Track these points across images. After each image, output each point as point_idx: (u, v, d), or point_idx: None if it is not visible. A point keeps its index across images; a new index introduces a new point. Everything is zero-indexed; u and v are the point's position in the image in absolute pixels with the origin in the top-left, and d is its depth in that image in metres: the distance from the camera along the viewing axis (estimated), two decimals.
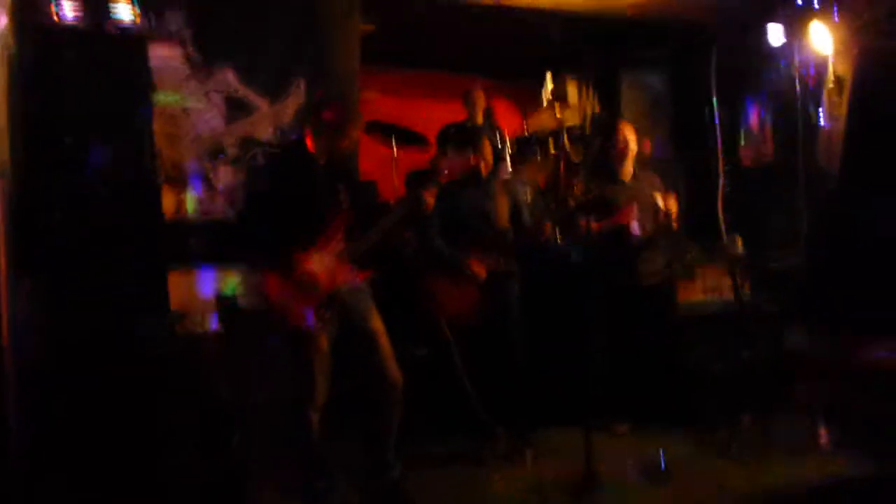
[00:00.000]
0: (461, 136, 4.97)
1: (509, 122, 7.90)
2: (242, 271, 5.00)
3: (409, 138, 6.44)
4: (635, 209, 5.00)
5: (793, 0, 5.85)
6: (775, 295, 5.49)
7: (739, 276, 5.11)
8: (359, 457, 4.23)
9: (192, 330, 4.30)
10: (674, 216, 5.04)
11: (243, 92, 5.54)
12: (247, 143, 5.53)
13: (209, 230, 5.22)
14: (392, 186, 6.27)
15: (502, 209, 4.84)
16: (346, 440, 4.29)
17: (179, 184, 5.27)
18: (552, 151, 6.64)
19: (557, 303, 5.33)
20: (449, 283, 4.69)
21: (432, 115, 7.43)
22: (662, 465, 4.33)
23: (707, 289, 5.38)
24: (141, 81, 4.15)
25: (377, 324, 4.04)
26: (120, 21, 4.03)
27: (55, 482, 3.14)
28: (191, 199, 5.30)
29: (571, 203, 4.69)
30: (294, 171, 3.96)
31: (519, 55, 7.50)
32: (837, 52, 5.64)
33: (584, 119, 7.19)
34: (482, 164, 4.75)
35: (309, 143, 3.99)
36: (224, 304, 4.81)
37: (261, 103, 5.59)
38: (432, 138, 6.75)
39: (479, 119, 7.02)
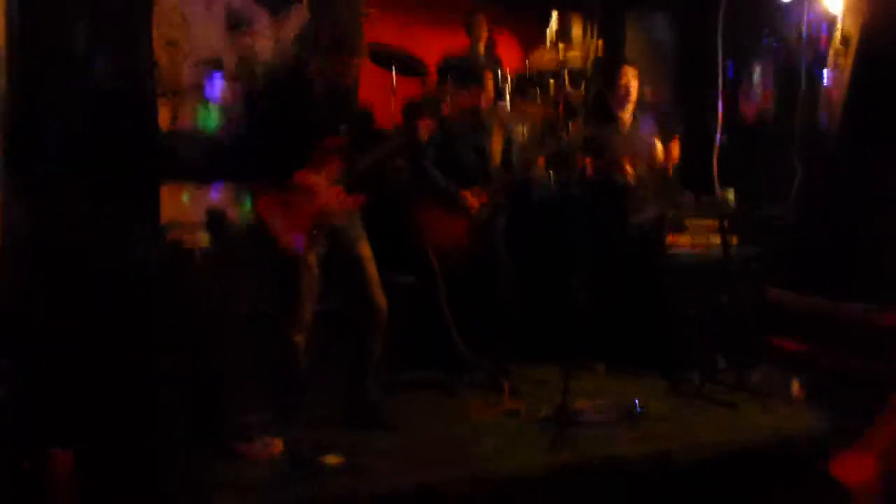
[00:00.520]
0: (465, 72, 4.91)
1: (510, 57, 7.81)
2: (235, 187, 4.99)
3: (408, 65, 6.36)
4: (629, 153, 5.00)
5: None
6: (762, 247, 5.52)
7: (728, 229, 5.14)
8: (339, 378, 4.29)
9: (182, 244, 4.30)
10: (674, 161, 5.04)
11: (244, 2, 5.44)
12: (245, 55, 5.46)
13: (203, 144, 5.19)
14: (389, 114, 6.22)
15: (497, 145, 4.84)
16: (328, 360, 4.35)
17: (176, 95, 5.22)
18: (552, 91, 6.59)
19: (545, 240, 5.36)
20: (439, 212, 4.71)
21: (433, 39, 7.34)
22: (637, 405, 4.40)
23: (695, 239, 5.41)
24: None
25: (366, 250, 4.06)
26: None
27: (40, 386, 3.18)
28: (186, 112, 5.25)
29: (565, 138, 4.68)
30: (291, 91, 3.93)
31: None
32: (847, 11, 5.57)
33: (586, 60, 7.10)
34: (483, 99, 4.71)
35: (308, 63, 3.94)
36: (214, 219, 4.80)
37: (262, 16, 5.50)
38: (432, 64, 6.68)
39: (481, 49, 6.94)
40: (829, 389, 4.70)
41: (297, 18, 5.54)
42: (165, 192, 4.57)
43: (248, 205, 4.03)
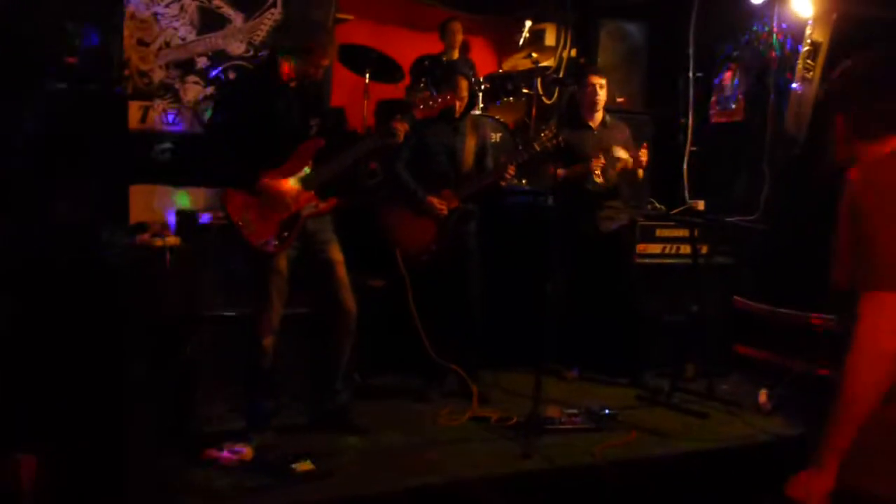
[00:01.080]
0: (440, 74, 4.89)
1: (484, 62, 7.83)
2: (205, 186, 4.95)
3: (383, 67, 6.34)
4: (600, 160, 5.02)
5: None
6: (731, 255, 5.56)
7: (699, 237, 5.17)
8: (307, 380, 4.26)
9: (151, 243, 4.25)
10: (642, 166, 5.07)
11: (217, 2, 5.39)
12: (217, 56, 5.41)
13: (174, 143, 5.14)
14: (361, 115, 6.20)
15: (469, 148, 4.82)
16: (297, 364, 4.32)
17: (146, 93, 5.16)
18: (524, 92, 6.60)
19: (516, 245, 5.36)
20: (409, 216, 4.70)
21: (408, 44, 7.33)
22: (607, 412, 4.42)
23: (666, 247, 5.45)
24: None
25: (336, 253, 4.04)
26: None
27: (5, 390, 3.12)
28: (156, 110, 5.20)
29: (537, 147, 4.67)
30: (263, 91, 3.89)
31: None
32: (816, 17, 5.64)
33: (559, 63, 7.14)
34: (457, 102, 4.70)
35: (280, 64, 3.92)
36: (184, 218, 4.76)
37: (235, 17, 5.46)
38: (406, 68, 6.67)
39: (455, 53, 6.94)
40: (799, 399, 4.75)
41: (270, 19, 5.52)
42: (135, 192, 4.54)
43: (218, 206, 3.98)
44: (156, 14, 5.21)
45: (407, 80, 6.73)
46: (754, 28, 6.23)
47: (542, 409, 4.20)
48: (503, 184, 4.80)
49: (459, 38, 6.92)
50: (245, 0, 5.46)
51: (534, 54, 6.49)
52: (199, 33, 5.37)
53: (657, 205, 5.87)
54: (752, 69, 6.26)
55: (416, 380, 4.84)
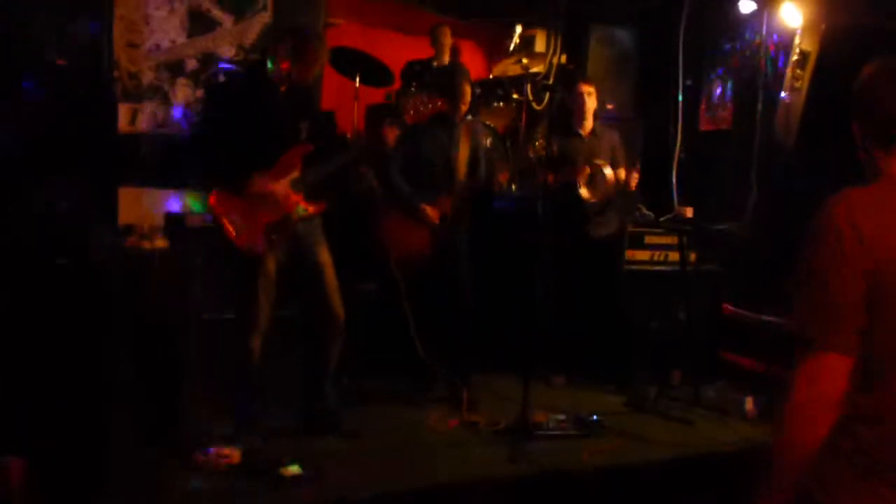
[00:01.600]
0: (440, 79, 4.86)
1: (474, 67, 7.83)
2: (194, 189, 4.93)
3: (373, 71, 6.34)
4: (586, 169, 5.03)
5: None
6: (719, 262, 5.59)
7: (687, 245, 5.19)
8: (296, 383, 4.26)
9: (140, 245, 4.24)
10: (632, 186, 5.08)
11: (207, 5, 5.39)
12: (207, 59, 5.41)
13: (163, 145, 5.12)
14: (352, 119, 6.19)
15: (463, 153, 4.81)
16: (286, 367, 4.31)
17: (135, 95, 5.14)
18: (514, 97, 6.62)
19: (506, 250, 5.37)
20: (403, 222, 4.68)
21: (397, 48, 7.33)
22: (595, 419, 4.43)
23: (654, 254, 5.46)
24: None
25: (325, 256, 4.04)
26: None
27: None
28: (146, 112, 5.18)
29: (531, 155, 4.68)
30: (253, 94, 3.90)
31: None
32: (805, 27, 5.67)
33: (549, 68, 7.15)
34: (461, 107, 4.69)
35: (270, 67, 3.92)
36: (173, 220, 4.74)
37: (225, 19, 5.46)
38: (396, 72, 6.67)
39: (446, 58, 6.95)
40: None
41: (260, 23, 5.51)
42: (124, 194, 4.52)
43: (207, 208, 3.97)
44: (146, 16, 5.20)
45: (397, 84, 6.73)
46: (744, 36, 6.26)
47: (530, 414, 4.21)
48: (497, 189, 4.80)
49: (449, 42, 6.92)
50: (235, 3, 5.45)
51: (524, 60, 6.50)
52: (189, 36, 5.37)
53: (646, 211, 5.88)
54: (741, 77, 6.29)
55: (406, 384, 4.83)
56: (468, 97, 4.74)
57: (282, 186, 3.87)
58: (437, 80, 5.94)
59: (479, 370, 5.00)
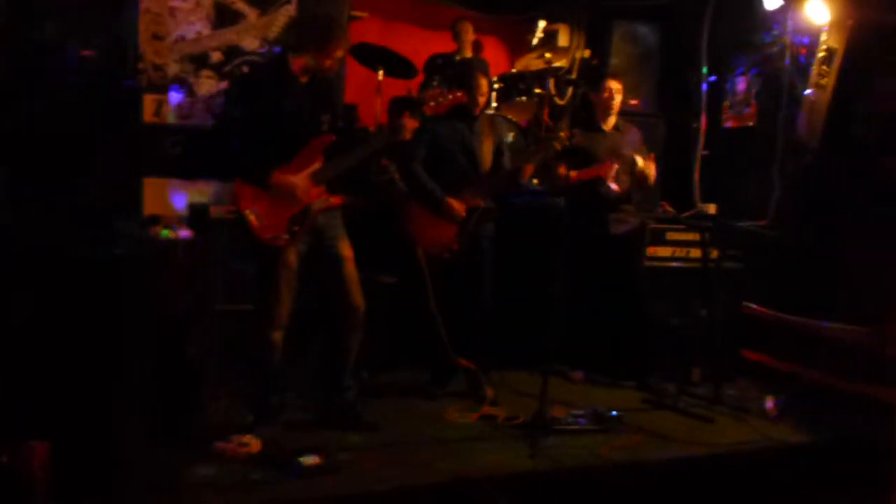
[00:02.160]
0: (457, 72, 4.85)
1: (497, 61, 7.84)
2: (217, 182, 4.97)
3: (396, 65, 6.35)
4: (614, 164, 5.00)
5: None
6: (741, 260, 5.56)
7: (709, 242, 5.16)
8: (315, 376, 4.28)
9: (164, 236, 4.27)
10: (651, 179, 5.06)
11: None
12: (232, 51, 5.44)
13: (186, 136, 5.16)
14: (374, 112, 6.21)
15: (487, 147, 4.79)
16: (305, 359, 4.34)
17: (160, 87, 5.18)
18: (536, 91, 6.61)
19: (526, 246, 5.37)
20: (428, 216, 4.66)
21: (420, 43, 7.35)
22: (613, 412, 4.42)
23: (676, 251, 5.44)
24: None
25: (346, 249, 4.05)
26: None
27: (14, 382, 3.15)
28: (170, 104, 5.22)
29: (557, 146, 4.64)
30: (273, 87, 3.91)
31: None
32: (831, 24, 5.62)
33: (572, 63, 7.14)
34: (479, 100, 4.67)
35: (291, 60, 3.93)
36: (197, 211, 4.78)
37: (249, 13, 5.48)
38: (419, 65, 6.68)
39: (468, 52, 6.95)
40: (805, 406, 4.75)
41: (285, 16, 5.53)
42: (148, 185, 4.56)
43: (230, 200, 3.99)
44: (171, 9, 5.24)
45: (420, 78, 6.74)
46: (769, 33, 6.22)
47: (548, 409, 4.21)
48: (523, 182, 4.79)
49: (470, 37, 6.94)
50: None
51: (547, 55, 6.49)
52: (214, 28, 5.40)
53: (668, 208, 5.86)
54: (766, 74, 6.25)
55: (425, 377, 4.84)
56: (485, 90, 4.72)
57: (303, 178, 3.88)
58: (453, 72, 5.93)
59: (497, 365, 5.01)
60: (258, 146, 3.81)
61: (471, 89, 4.59)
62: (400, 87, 6.69)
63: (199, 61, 5.36)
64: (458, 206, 4.63)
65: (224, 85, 5.37)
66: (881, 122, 5.26)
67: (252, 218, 3.83)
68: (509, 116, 6.34)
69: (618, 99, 5.21)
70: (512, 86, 6.66)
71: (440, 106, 4.18)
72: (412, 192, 4.73)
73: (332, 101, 4.16)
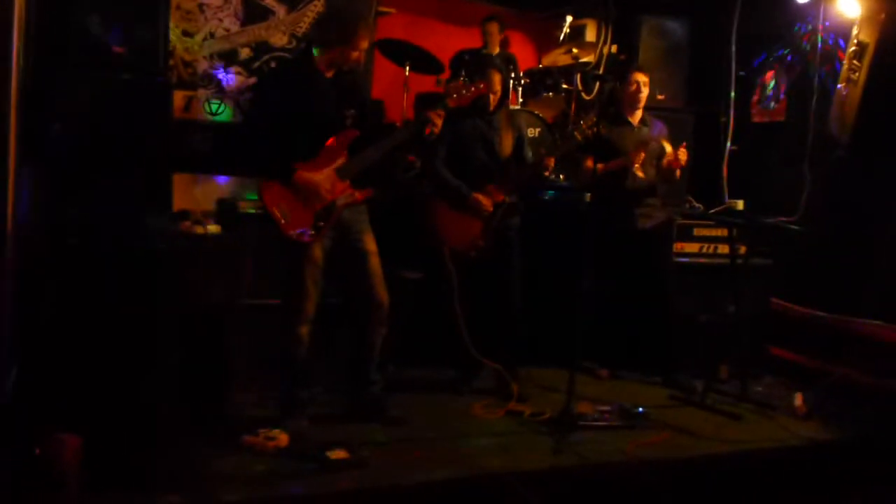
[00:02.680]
0: (473, 63, 4.84)
1: (524, 56, 7.82)
2: (245, 176, 5.00)
3: (423, 61, 6.36)
4: (641, 155, 4.98)
5: None
6: (769, 256, 5.52)
7: (737, 238, 5.13)
8: (342, 370, 4.30)
9: (193, 231, 4.32)
10: (682, 166, 5.02)
11: None
12: (260, 48, 5.48)
13: (215, 132, 5.21)
14: (401, 108, 6.23)
15: (507, 141, 4.78)
16: (332, 354, 4.36)
17: (190, 83, 5.23)
18: (564, 87, 6.60)
19: (552, 241, 5.36)
20: (454, 213, 4.64)
21: (447, 39, 7.35)
22: (640, 409, 4.41)
23: (703, 247, 5.42)
24: None
25: (370, 244, 4.07)
26: None
27: (49, 375, 3.20)
28: (199, 102, 5.27)
29: (578, 137, 4.62)
30: (299, 82, 3.92)
31: None
32: (863, 17, 5.55)
33: (599, 59, 7.12)
34: (491, 95, 4.67)
35: (317, 55, 3.95)
36: (226, 206, 4.82)
37: (278, 9, 5.52)
38: (445, 61, 6.68)
39: (495, 49, 6.95)
40: (835, 403, 4.71)
41: (313, 12, 5.56)
42: (178, 180, 4.60)
43: (256, 196, 4.02)
44: (201, 5, 5.29)
45: (447, 74, 6.74)
46: (798, 27, 6.16)
47: (574, 405, 4.21)
48: (546, 174, 4.78)
49: (498, 37, 6.95)
50: None
51: (574, 50, 6.48)
52: (243, 25, 5.45)
53: (695, 203, 5.83)
54: (795, 68, 6.19)
55: (451, 373, 4.86)
56: (497, 86, 4.71)
57: (328, 174, 3.90)
58: (470, 66, 5.89)
59: (524, 361, 5.00)
60: (283, 142, 3.83)
61: (484, 82, 4.57)
62: (427, 84, 6.70)
63: (229, 57, 5.40)
64: (484, 200, 4.63)
65: (253, 81, 5.41)
66: None
67: (278, 214, 3.85)
68: (536, 112, 6.33)
69: (644, 92, 5.19)
70: (539, 81, 6.65)
71: (463, 98, 4.18)
72: (436, 190, 4.72)
73: (357, 97, 4.16)
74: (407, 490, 3.47)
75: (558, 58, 6.86)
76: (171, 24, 5.02)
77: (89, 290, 3.24)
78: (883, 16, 5.46)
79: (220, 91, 5.37)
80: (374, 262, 4.07)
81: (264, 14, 5.50)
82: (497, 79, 4.70)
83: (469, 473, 3.62)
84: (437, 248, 4.63)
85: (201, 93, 5.28)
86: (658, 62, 6.33)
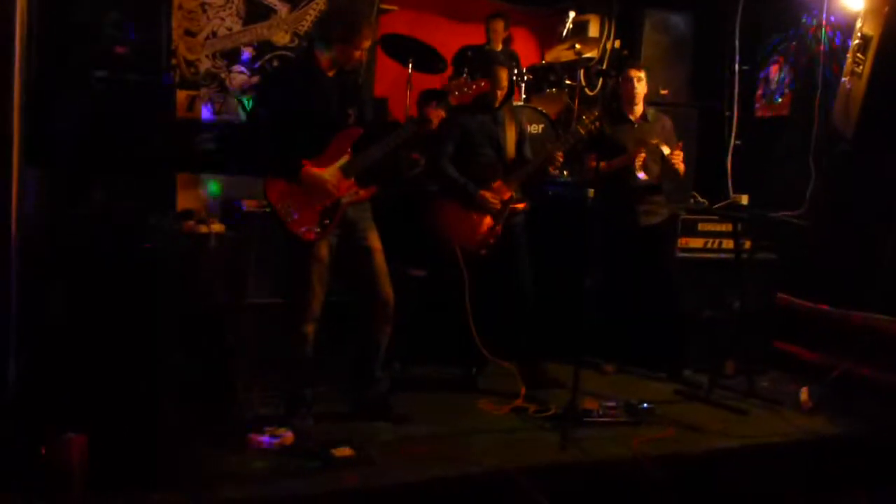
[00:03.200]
0: (479, 60, 4.83)
1: (527, 52, 7.82)
2: (249, 174, 5.00)
3: (425, 57, 6.36)
4: (642, 155, 4.97)
5: None
6: (774, 251, 5.51)
7: (742, 233, 5.11)
8: (347, 368, 4.30)
9: (197, 230, 4.32)
10: (678, 168, 5.02)
11: None
12: (263, 47, 5.48)
13: (219, 131, 5.21)
14: (404, 105, 6.23)
15: (511, 137, 4.78)
16: (337, 352, 4.36)
17: (193, 83, 5.24)
18: (567, 83, 6.59)
19: (556, 238, 5.35)
20: (462, 212, 4.62)
21: (450, 36, 7.35)
22: (645, 404, 4.41)
23: (708, 242, 5.40)
24: None
25: (375, 241, 4.07)
26: None
27: (52, 375, 3.20)
28: (203, 99, 5.27)
29: (581, 131, 4.60)
30: (301, 81, 3.92)
31: None
32: (867, 10, 5.52)
33: (602, 54, 7.11)
34: (497, 92, 4.67)
35: (318, 54, 3.95)
36: (229, 206, 4.82)
37: (280, 8, 5.52)
38: (448, 58, 6.68)
39: (498, 46, 6.94)
40: (841, 398, 4.69)
41: (316, 10, 5.56)
42: (182, 180, 4.61)
43: (261, 194, 4.02)
44: (203, 5, 5.29)
45: (450, 71, 6.74)
46: (802, 20, 6.14)
47: (580, 401, 4.20)
48: (552, 171, 4.77)
49: (502, 35, 6.95)
50: None
51: (577, 45, 6.46)
52: (245, 24, 5.45)
53: (700, 198, 5.82)
54: (800, 63, 6.17)
55: (456, 370, 4.85)
56: (504, 83, 4.71)
57: (333, 172, 3.90)
58: (474, 63, 5.88)
59: (533, 357, 4.99)
60: (288, 140, 3.83)
61: (490, 79, 4.57)
62: (429, 82, 6.69)
63: (231, 57, 5.41)
64: (492, 198, 4.61)
65: (255, 80, 5.42)
66: None
67: (283, 212, 3.86)
68: (540, 108, 6.32)
69: (640, 88, 5.18)
70: (542, 77, 6.64)
71: (465, 96, 4.17)
72: (443, 189, 4.71)
73: (359, 95, 4.17)
74: (412, 487, 3.47)
75: (561, 53, 6.85)
76: (174, 24, 5.04)
77: (93, 290, 3.24)
78: (887, 9, 5.43)
79: (222, 90, 5.37)
80: (379, 260, 4.07)
81: (266, 13, 5.50)
82: (504, 75, 4.71)
83: (474, 470, 3.61)
84: (447, 248, 4.60)
85: (204, 92, 5.29)
86: (661, 57, 6.33)
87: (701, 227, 5.42)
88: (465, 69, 6.56)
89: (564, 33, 6.95)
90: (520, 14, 7.80)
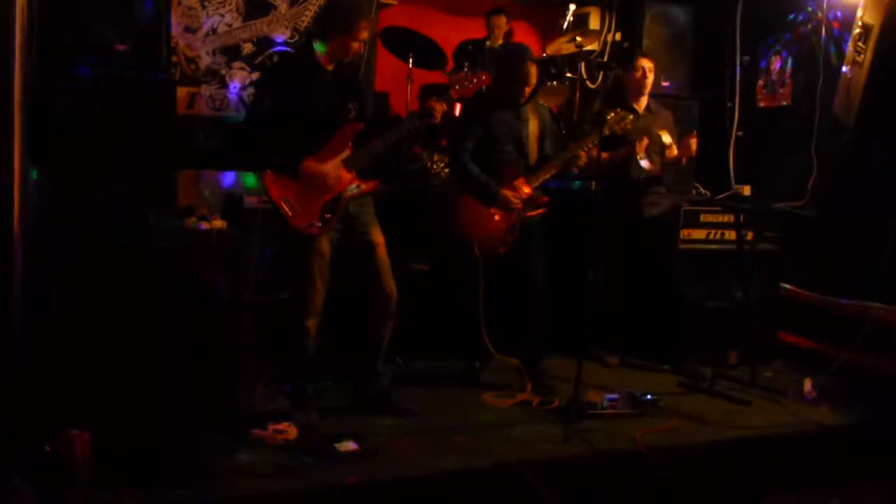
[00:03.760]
0: (510, 57, 4.73)
1: (528, 43, 7.75)
2: (250, 170, 5.01)
3: (426, 51, 6.35)
4: (645, 143, 4.96)
5: None
6: (777, 241, 5.50)
7: (744, 224, 5.11)
8: (350, 363, 4.31)
9: (198, 226, 4.33)
10: (690, 155, 5.00)
11: None
12: (263, 42, 5.48)
13: (220, 127, 5.22)
14: (405, 100, 6.22)
15: (534, 134, 4.70)
16: (339, 346, 4.37)
17: (193, 79, 5.24)
18: (568, 76, 6.58)
19: (559, 230, 5.34)
20: (482, 209, 4.52)
21: (450, 30, 7.34)
22: (648, 396, 4.41)
23: (710, 233, 5.40)
24: None
25: (377, 235, 4.07)
26: None
27: (56, 372, 3.21)
28: (203, 96, 5.27)
29: (606, 132, 4.53)
30: (301, 76, 3.92)
31: None
32: (868, 1, 5.51)
33: (603, 47, 7.10)
34: (525, 88, 4.61)
35: (316, 49, 3.95)
36: (231, 201, 4.83)
37: (280, 3, 5.52)
38: (449, 53, 6.67)
39: (499, 41, 6.93)
40: (844, 388, 4.69)
41: (315, 5, 5.56)
42: (183, 176, 4.62)
43: (262, 189, 4.03)
44: (202, 1, 5.29)
45: (450, 65, 6.73)
46: (804, 10, 6.13)
47: (583, 393, 4.21)
48: (576, 170, 4.75)
49: (504, 29, 6.95)
50: None
51: (578, 38, 6.45)
52: (245, 20, 5.45)
53: (702, 190, 5.81)
54: (801, 52, 6.16)
55: (459, 364, 4.85)
56: (533, 79, 4.63)
57: (334, 166, 3.90)
58: (494, 59, 5.85)
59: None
60: (289, 135, 3.83)
61: (520, 79, 4.52)
62: (430, 77, 6.68)
63: (231, 53, 5.41)
64: (513, 197, 4.58)
65: (256, 76, 5.42)
66: None
67: (285, 207, 3.86)
68: (541, 101, 6.31)
69: (650, 78, 5.16)
70: (543, 70, 6.63)
71: (466, 90, 4.16)
72: (462, 186, 4.65)
73: (358, 89, 4.16)
74: (416, 481, 3.48)
75: (562, 46, 6.83)
76: (173, 21, 5.03)
77: (96, 288, 3.25)
78: None
79: (223, 87, 5.37)
80: (382, 254, 4.07)
81: (266, 9, 5.49)
82: (533, 70, 4.60)
83: (478, 463, 3.62)
84: (466, 246, 4.54)
85: (204, 89, 5.29)
86: (662, 49, 6.32)
87: (703, 218, 5.42)
88: (467, 64, 6.57)
89: (565, 26, 6.93)
90: (520, 7, 7.78)
